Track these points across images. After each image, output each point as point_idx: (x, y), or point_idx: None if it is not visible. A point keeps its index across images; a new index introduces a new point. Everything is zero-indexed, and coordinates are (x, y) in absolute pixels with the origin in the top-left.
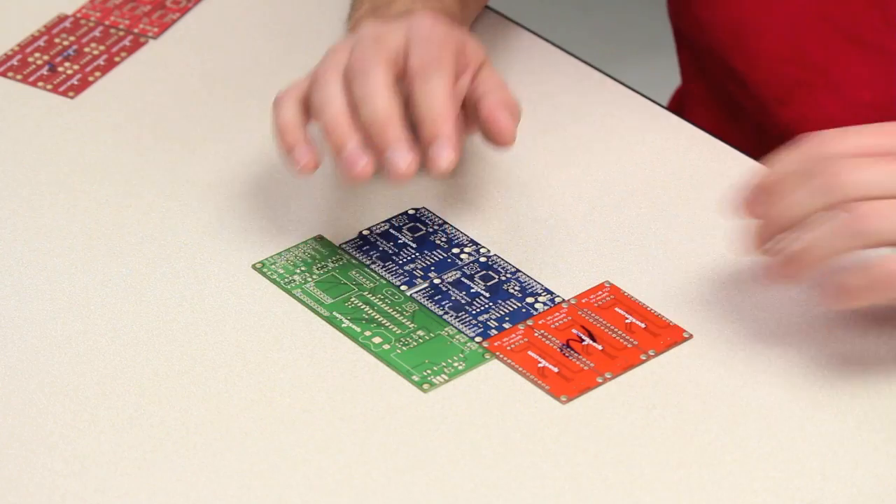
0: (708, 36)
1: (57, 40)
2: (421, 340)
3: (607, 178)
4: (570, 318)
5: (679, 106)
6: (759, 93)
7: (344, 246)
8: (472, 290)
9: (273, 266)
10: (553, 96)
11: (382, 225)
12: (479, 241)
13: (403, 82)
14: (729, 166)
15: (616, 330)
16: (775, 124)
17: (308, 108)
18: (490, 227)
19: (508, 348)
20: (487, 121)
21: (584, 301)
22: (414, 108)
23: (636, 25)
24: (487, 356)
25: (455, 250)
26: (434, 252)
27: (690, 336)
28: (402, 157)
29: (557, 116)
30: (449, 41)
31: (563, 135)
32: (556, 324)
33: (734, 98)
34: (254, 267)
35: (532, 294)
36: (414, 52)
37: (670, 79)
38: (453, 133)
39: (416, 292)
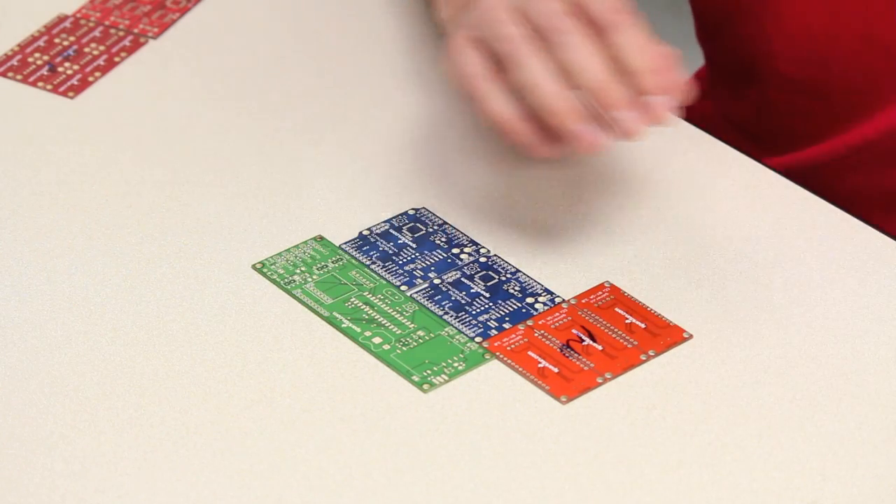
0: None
1: (57, 40)
2: (421, 340)
3: (607, 178)
4: (570, 318)
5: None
6: (837, 87)
7: (344, 246)
8: (472, 291)
9: (273, 266)
10: None
11: (382, 225)
12: (479, 242)
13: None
14: (729, 166)
15: (616, 330)
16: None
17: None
18: (490, 227)
19: (508, 348)
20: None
21: (584, 301)
22: (620, 60)
23: None
24: (487, 356)
25: (455, 250)
26: (434, 252)
27: (690, 336)
28: (632, 119)
29: None
30: None
31: None
32: (556, 324)
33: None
34: (254, 267)
35: (532, 294)
36: (591, 1)
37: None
38: (667, 85)
39: (416, 292)
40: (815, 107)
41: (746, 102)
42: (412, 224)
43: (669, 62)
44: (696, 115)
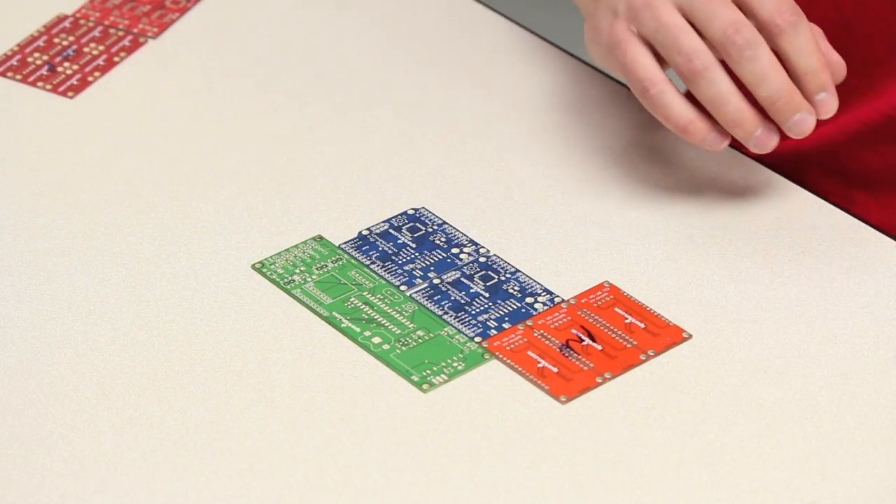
0: None
1: (56, 40)
2: (420, 340)
3: (607, 178)
4: (569, 318)
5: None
6: (859, 56)
7: (343, 246)
8: (471, 291)
9: (273, 266)
10: (553, 96)
11: (382, 225)
12: (478, 241)
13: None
14: (729, 166)
15: (615, 330)
16: (867, 87)
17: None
18: (490, 227)
19: (508, 348)
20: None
21: (583, 301)
22: (789, 62)
23: None
24: (487, 356)
25: (454, 250)
26: (433, 252)
27: (690, 336)
28: (810, 119)
29: (557, 116)
30: None
31: (563, 134)
32: (556, 324)
33: None
34: (253, 267)
35: (531, 294)
36: (757, 1)
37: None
38: (830, 82)
39: (416, 292)
40: None
41: None
42: (412, 224)
43: (831, 58)
44: None
